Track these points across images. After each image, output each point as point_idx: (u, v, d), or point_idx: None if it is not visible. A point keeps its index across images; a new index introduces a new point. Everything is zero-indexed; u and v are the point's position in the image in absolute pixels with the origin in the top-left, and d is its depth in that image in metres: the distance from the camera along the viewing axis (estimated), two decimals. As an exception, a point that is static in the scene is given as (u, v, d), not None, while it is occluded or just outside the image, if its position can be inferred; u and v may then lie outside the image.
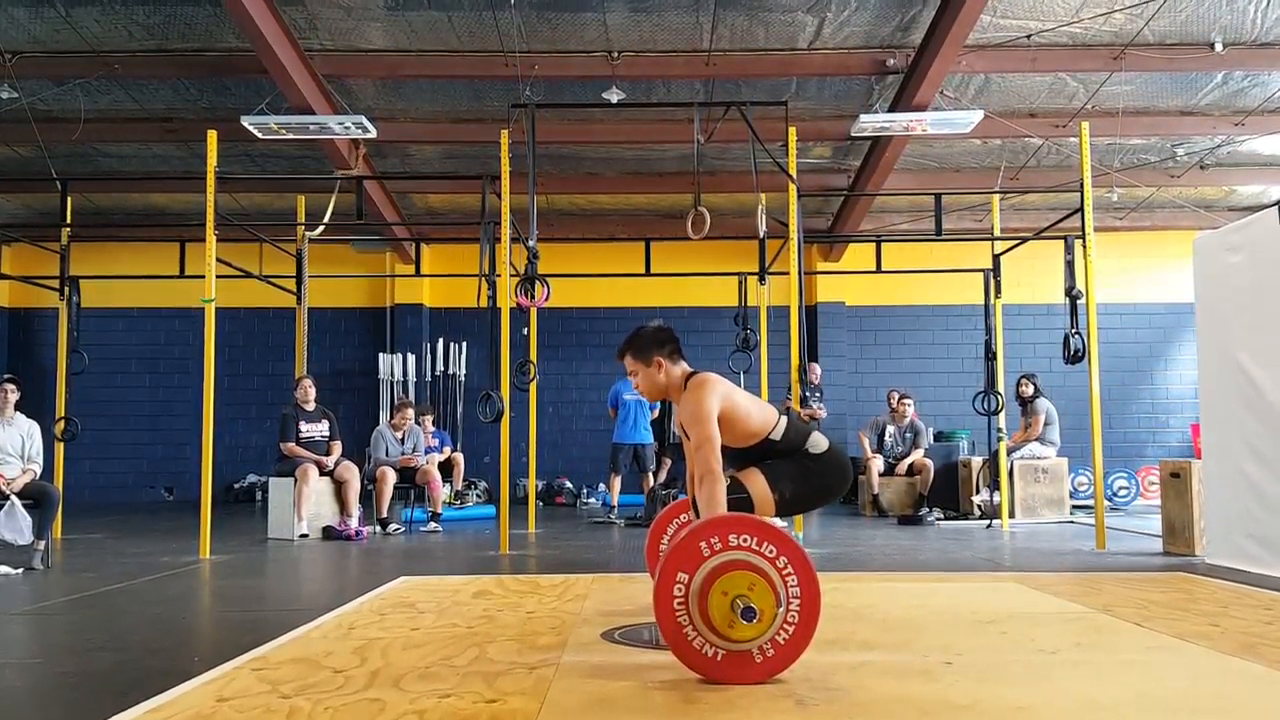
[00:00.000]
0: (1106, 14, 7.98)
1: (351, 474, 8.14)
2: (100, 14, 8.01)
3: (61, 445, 8.10)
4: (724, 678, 2.89)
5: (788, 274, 7.33)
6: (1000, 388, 8.64)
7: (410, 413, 8.95)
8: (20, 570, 5.66)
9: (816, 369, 11.51)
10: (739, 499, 3.45)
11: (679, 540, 2.99)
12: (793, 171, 7.24)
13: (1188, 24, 8.21)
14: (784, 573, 2.89)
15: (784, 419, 3.62)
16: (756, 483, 3.51)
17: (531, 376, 7.91)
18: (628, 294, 12.80)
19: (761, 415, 3.58)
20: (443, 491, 8.84)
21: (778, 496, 3.51)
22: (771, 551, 2.90)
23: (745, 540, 2.92)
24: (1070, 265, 7.55)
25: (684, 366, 3.66)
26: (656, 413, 10.12)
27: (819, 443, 3.63)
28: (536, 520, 8.73)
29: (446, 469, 9.13)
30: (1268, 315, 5.43)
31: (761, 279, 8.59)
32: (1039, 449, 9.39)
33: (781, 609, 2.87)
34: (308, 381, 8.39)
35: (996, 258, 8.80)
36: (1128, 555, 6.45)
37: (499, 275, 7.11)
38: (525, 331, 8.49)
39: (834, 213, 12.72)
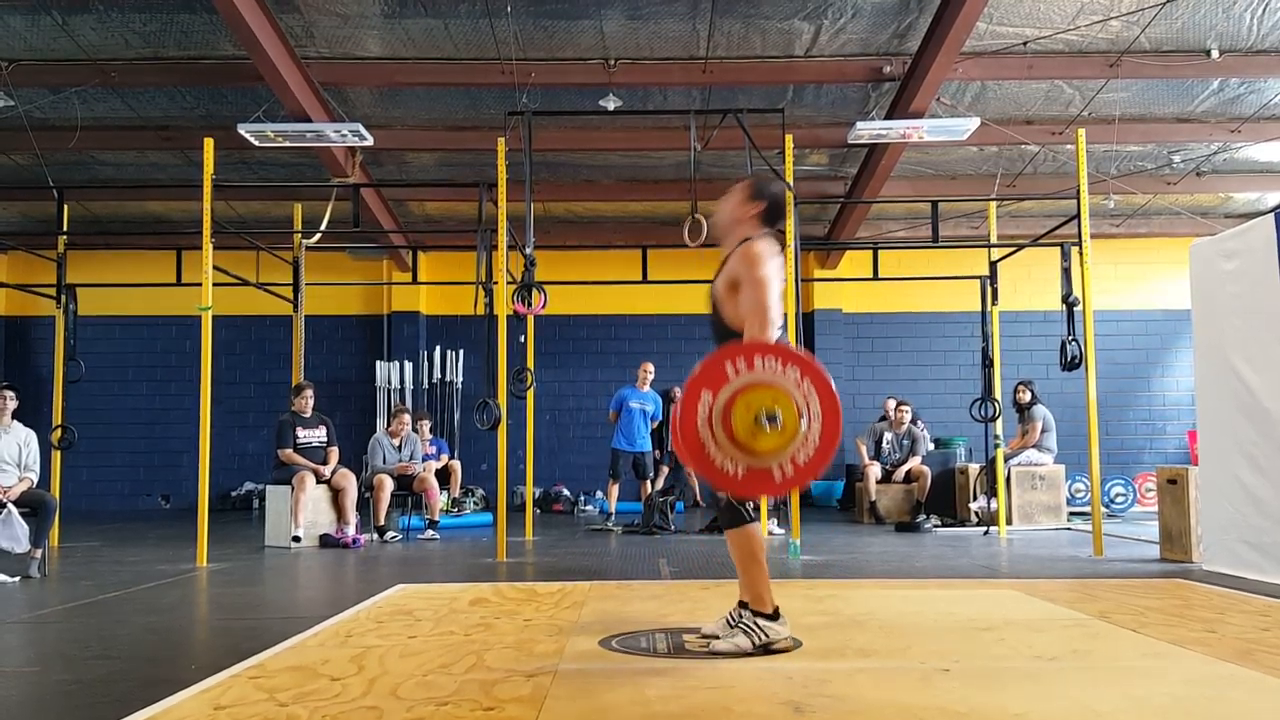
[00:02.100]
0: (1103, 21, 8.00)
1: (349, 481, 8.13)
2: (96, 22, 8.02)
3: (58, 453, 8.09)
4: (746, 492, 2.99)
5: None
6: (997, 394, 8.64)
7: (406, 419, 8.93)
8: (17, 578, 5.65)
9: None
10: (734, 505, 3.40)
11: (705, 361, 3.05)
12: (789, 179, 7.26)
13: (1184, 31, 8.24)
14: (807, 395, 2.95)
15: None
16: None
17: (529, 384, 7.92)
18: (625, 301, 12.82)
19: (777, 314, 3.39)
20: (440, 499, 8.83)
21: None
22: (795, 374, 2.96)
23: (770, 364, 2.98)
24: (1067, 272, 7.56)
25: (759, 232, 3.48)
26: (657, 423, 10.12)
27: None
28: (534, 528, 8.73)
29: (444, 476, 9.12)
30: (1264, 322, 5.43)
31: (758, 286, 8.58)
32: (1036, 456, 9.39)
33: (804, 421, 2.91)
34: (309, 391, 8.37)
35: (993, 265, 8.82)
36: (1125, 562, 6.45)
37: (496, 283, 7.11)
38: (522, 339, 8.50)
39: (831, 220, 12.73)
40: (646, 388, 9.84)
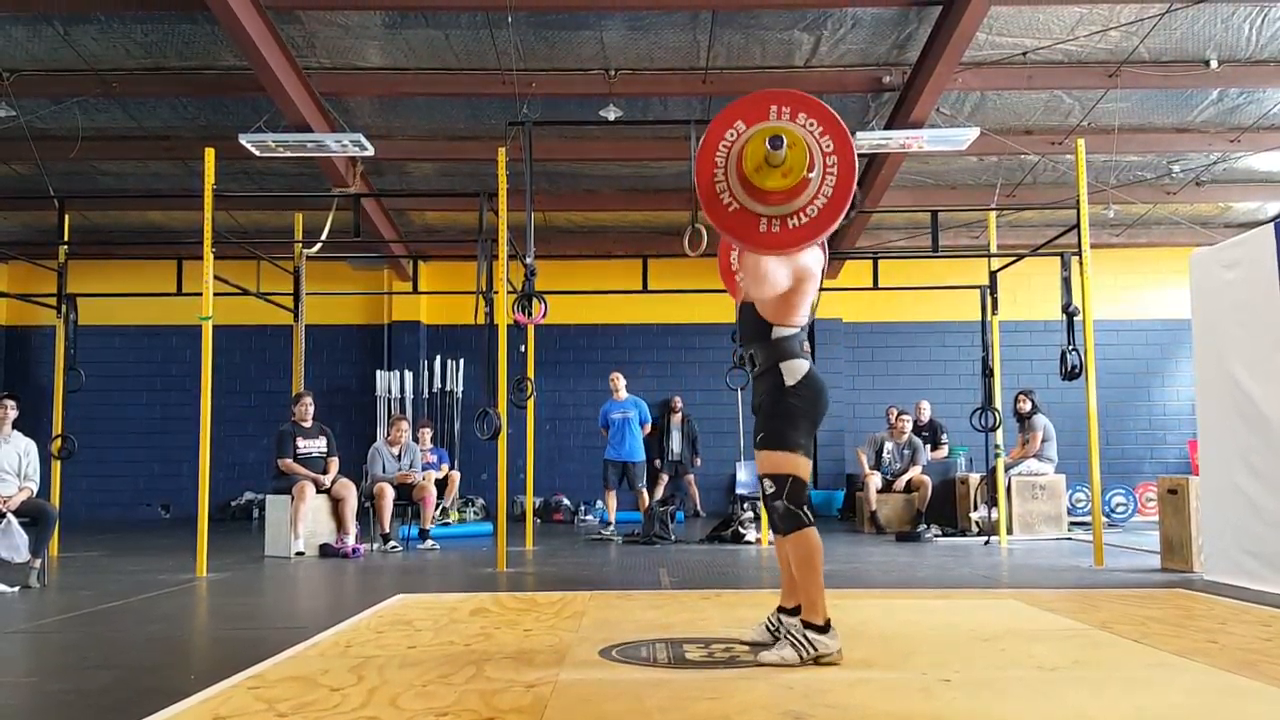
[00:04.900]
0: (1102, 31, 8.03)
1: (348, 491, 8.12)
2: (98, 32, 8.05)
3: (58, 463, 8.08)
4: (726, 228, 3.05)
5: (785, 290, 7.32)
6: (998, 404, 8.64)
7: (405, 427, 8.93)
8: (16, 588, 5.64)
9: (925, 406, 11.17)
10: (786, 477, 3.33)
11: (754, 95, 3.12)
12: (789, 188, 7.25)
13: (1183, 41, 8.26)
14: (829, 168, 3.04)
15: (802, 334, 3.48)
16: (779, 460, 3.36)
17: (529, 393, 7.90)
18: (625, 311, 12.82)
19: (800, 313, 3.45)
20: (433, 508, 8.76)
21: (800, 451, 3.37)
22: (828, 146, 3.07)
23: (811, 125, 3.06)
24: (1067, 282, 7.56)
25: None
26: (649, 428, 10.09)
27: (795, 369, 3.42)
28: (534, 537, 8.71)
29: (442, 486, 9.11)
30: (1264, 331, 5.43)
31: (759, 295, 8.57)
32: (1036, 465, 9.38)
33: (814, 177, 2.99)
34: (308, 399, 8.37)
35: (993, 274, 8.81)
36: (1126, 572, 6.43)
37: (496, 292, 7.11)
38: (522, 348, 8.48)
39: (831, 229, 12.73)
40: (622, 395, 9.84)
